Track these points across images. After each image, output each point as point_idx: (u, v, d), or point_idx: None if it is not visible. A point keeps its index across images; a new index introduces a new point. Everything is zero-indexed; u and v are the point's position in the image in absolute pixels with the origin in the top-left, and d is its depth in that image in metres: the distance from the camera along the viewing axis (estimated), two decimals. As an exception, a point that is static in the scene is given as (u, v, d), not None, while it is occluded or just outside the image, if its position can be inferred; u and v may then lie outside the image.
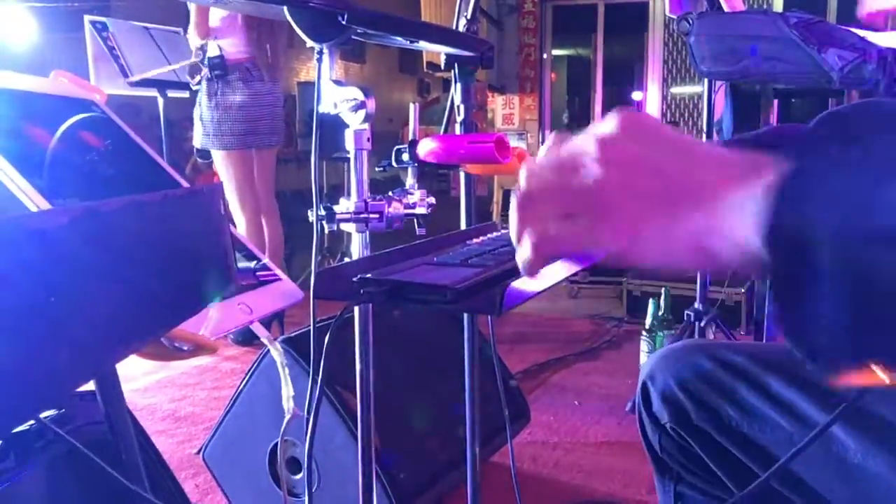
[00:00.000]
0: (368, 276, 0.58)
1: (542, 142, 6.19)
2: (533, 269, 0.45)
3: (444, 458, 1.58)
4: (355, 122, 0.91)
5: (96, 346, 0.45)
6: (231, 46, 3.04)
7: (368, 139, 0.93)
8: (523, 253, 0.45)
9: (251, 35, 3.06)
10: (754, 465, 0.75)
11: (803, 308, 0.33)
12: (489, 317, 1.27)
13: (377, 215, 0.93)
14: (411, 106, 1.03)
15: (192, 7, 3.03)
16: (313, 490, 1.40)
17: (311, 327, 0.92)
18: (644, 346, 2.54)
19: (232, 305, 0.84)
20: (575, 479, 1.93)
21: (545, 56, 7.04)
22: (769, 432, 0.74)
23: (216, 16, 3.04)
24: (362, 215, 0.92)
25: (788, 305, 0.34)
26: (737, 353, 0.80)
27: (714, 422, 0.79)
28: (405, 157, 0.99)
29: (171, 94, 3.43)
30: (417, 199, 0.97)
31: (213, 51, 3.02)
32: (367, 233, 0.94)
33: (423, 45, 1.07)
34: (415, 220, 0.97)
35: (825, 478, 0.71)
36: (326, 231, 0.92)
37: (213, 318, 0.77)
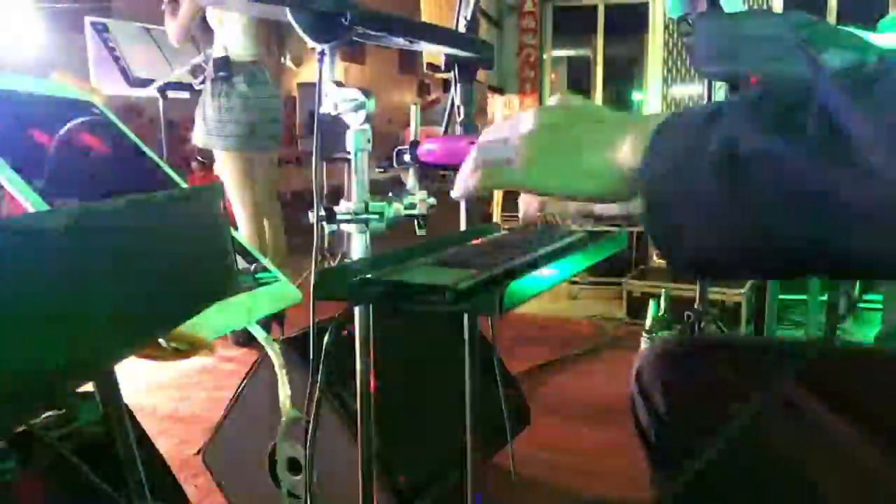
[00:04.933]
0: (368, 276, 0.58)
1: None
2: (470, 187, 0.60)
3: (444, 458, 1.58)
4: (356, 123, 0.91)
5: (96, 346, 0.45)
6: (237, 47, 3.04)
7: (369, 140, 0.93)
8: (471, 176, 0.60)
9: (257, 36, 3.06)
10: (754, 461, 0.75)
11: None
12: (490, 317, 1.27)
13: (377, 216, 0.93)
14: (412, 107, 1.03)
15: (182, 10, 3.02)
16: (313, 491, 1.39)
17: (311, 328, 0.92)
18: (644, 346, 2.54)
19: (231, 306, 0.84)
20: (575, 480, 1.93)
21: (545, 57, 7.04)
22: (769, 425, 0.74)
23: (222, 17, 3.04)
24: (362, 216, 0.92)
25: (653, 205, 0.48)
26: (737, 347, 0.80)
27: (712, 414, 0.79)
28: (406, 157, 0.99)
29: (172, 94, 3.43)
30: (418, 200, 0.97)
31: (218, 51, 3.02)
32: (368, 233, 0.94)
33: (423, 45, 1.07)
34: (415, 221, 0.97)
35: (826, 474, 0.71)
36: (327, 232, 0.92)
37: (213, 319, 0.77)
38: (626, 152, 0.50)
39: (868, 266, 0.42)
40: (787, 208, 0.41)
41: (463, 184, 0.61)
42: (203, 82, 3.07)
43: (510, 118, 0.59)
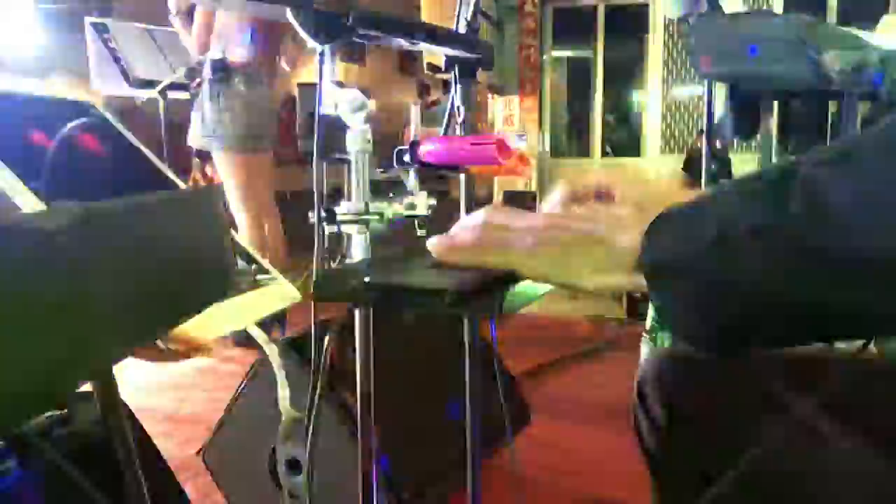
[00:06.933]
0: (368, 277, 0.58)
1: (542, 143, 6.14)
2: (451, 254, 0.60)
3: (445, 459, 1.58)
4: (356, 124, 0.91)
5: (95, 346, 0.45)
6: (234, 49, 3.04)
7: (369, 140, 0.93)
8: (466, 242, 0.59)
9: (255, 38, 3.07)
10: (758, 473, 0.75)
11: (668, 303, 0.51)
12: (490, 318, 1.27)
13: (377, 216, 0.93)
14: (412, 107, 1.03)
15: (196, 18, 3.02)
16: (313, 491, 1.39)
17: (312, 329, 0.92)
18: (644, 347, 2.53)
19: (231, 307, 0.85)
20: (575, 480, 1.93)
21: (545, 57, 7.05)
22: (772, 438, 0.74)
23: (220, 18, 3.04)
24: (363, 217, 0.92)
25: (658, 303, 0.52)
26: (740, 358, 0.80)
27: (713, 425, 0.78)
28: (406, 158, 0.99)
29: (172, 95, 3.43)
30: (418, 201, 0.97)
31: (215, 53, 3.02)
32: (368, 234, 0.94)
33: (423, 46, 1.07)
34: (415, 222, 0.97)
35: (832, 487, 0.71)
36: (327, 232, 0.92)
37: (213, 320, 0.77)
38: (628, 246, 0.52)
39: (863, 323, 0.45)
40: (780, 279, 0.44)
41: (449, 247, 0.60)
42: (199, 84, 3.08)
43: (516, 212, 0.59)
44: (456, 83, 1.12)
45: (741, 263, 0.45)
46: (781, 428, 0.73)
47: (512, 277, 0.58)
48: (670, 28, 6.30)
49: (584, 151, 7.11)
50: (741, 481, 0.75)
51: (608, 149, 7.04)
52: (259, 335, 0.99)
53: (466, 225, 0.60)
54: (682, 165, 5.66)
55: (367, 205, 0.92)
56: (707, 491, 0.73)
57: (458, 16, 1.14)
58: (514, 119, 6.82)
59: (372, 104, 0.91)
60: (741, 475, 0.73)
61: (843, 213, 0.41)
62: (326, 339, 0.91)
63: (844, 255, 0.41)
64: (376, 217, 0.93)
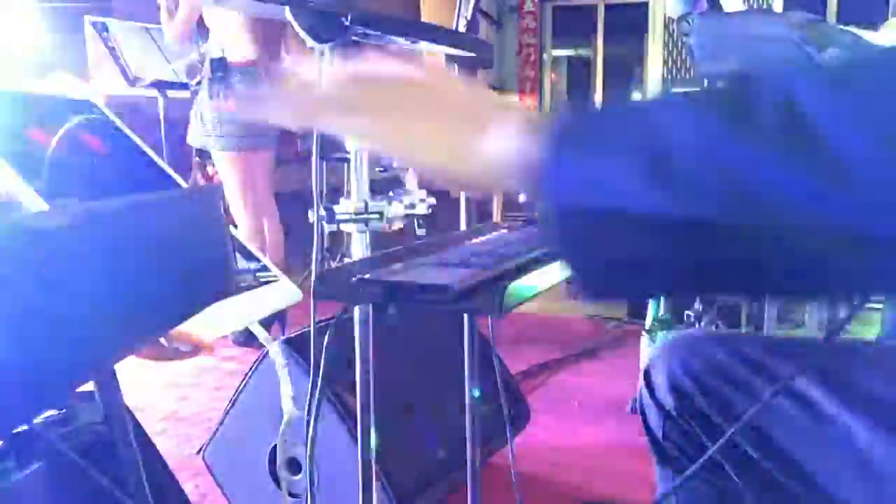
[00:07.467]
0: (368, 276, 0.58)
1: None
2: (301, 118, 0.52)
3: (444, 458, 1.58)
4: (355, 123, 0.91)
5: (96, 346, 0.45)
6: (234, 48, 3.04)
7: (368, 140, 0.93)
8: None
9: (256, 38, 3.06)
10: (762, 457, 0.75)
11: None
12: (489, 317, 1.27)
13: (377, 216, 0.93)
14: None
15: (180, 12, 3.02)
16: (313, 490, 1.40)
17: (312, 328, 0.92)
18: (644, 346, 2.53)
19: (232, 306, 0.85)
20: (574, 479, 1.93)
21: (545, 56, 7.05)
22: (780, 424, 0.74)
23: (220, 17, 3.04)
24: (362, 216, 0.92)
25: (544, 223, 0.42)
26: (749, 344, 0.80)
27: (722, 411, 0.78)
28: (405, 157, 0.99)
29: (172, 94, 3.43)
30: (417, 200, 0.97)
31: (215, 52, 3.02)
32: (368, 233, 0.94)
33: (423, 45, 1.07)
34: (415, 221, 0.97)
35: (837, 470, 0.71)
36: (327, 231, 0.92)
37: (213, 319, 0.78)
38: (509, 138, 0.42)
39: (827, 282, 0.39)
40: (738, 206, 0.36)
41: (297, 109, 0.50)
42: (199, 83, 3.07)
43: (392, 71, 0.48)
44: (456, 82, 1.12)
45: (691, 190, 0.36)
46: (793, 413, 0.73)
47: (512, 275, 0.58)
48: (670, 27, 6.30)
49: (584, 151, 7.11)
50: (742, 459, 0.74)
51: (608, 148, 7.05)
52: (262, 334, 0.99)
53: (332, 79, 0.49)
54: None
55: (366, 204, 0.92)
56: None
57: (458, 15, 1.14)
58: (513, 118, 6.81)
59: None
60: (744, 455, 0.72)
61: (827, 125, 0.34)
62: (326, 338, 0.91)
63: (829, 166, 0.34)
64: (376, 216, 0.93)
